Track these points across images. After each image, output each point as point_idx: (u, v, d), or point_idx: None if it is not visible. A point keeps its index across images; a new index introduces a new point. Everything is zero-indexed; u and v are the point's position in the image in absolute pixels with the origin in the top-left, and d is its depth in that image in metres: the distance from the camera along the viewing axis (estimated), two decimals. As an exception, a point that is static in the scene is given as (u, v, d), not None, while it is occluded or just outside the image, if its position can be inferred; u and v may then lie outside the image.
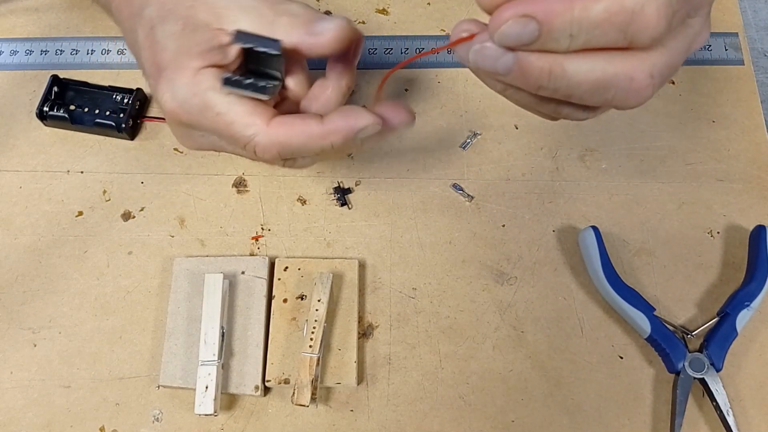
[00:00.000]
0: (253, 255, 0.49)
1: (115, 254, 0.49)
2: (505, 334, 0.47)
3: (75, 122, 0.52)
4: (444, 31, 0.57)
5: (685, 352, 0.44)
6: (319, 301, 0.45)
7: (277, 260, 0.48)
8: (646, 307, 0.45)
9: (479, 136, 0.53)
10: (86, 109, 0.52)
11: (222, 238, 0.50)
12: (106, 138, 0.53)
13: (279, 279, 0.47)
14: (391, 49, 0.56)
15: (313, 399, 0.43)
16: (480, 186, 0.51)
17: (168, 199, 0.51)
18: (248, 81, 0.36)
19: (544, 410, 0.45)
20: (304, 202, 0.51)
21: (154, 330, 0.47)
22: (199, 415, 0.43)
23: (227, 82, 0.36)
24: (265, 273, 0.47)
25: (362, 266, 0.49)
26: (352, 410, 0.45)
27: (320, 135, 0.37)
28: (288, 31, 0.37)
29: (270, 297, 0.47)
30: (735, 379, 0.45)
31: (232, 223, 0.50)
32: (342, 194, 0.51)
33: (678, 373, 0.44)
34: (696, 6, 0.32)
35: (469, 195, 0.51)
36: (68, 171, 0.52)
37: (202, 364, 0.43)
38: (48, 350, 0.47)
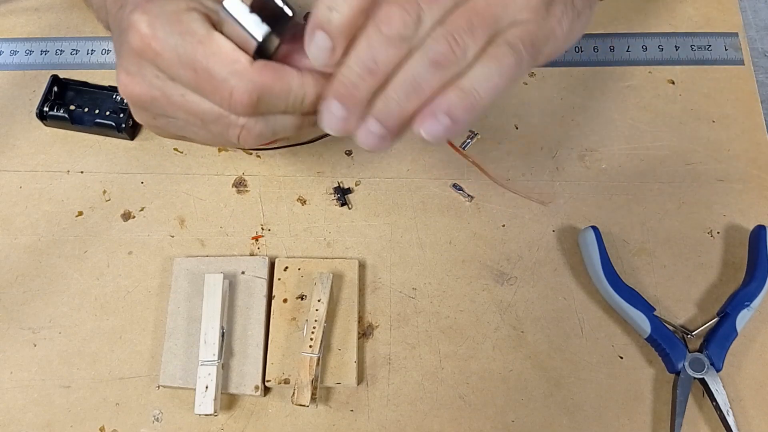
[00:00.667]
0: (253, 255, 0.49)
1: (115, 254, 0.49)
2: (505, 334, 0.47)
3: (75, 122, 0.52)
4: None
5: (685, 352, 0.44)
6: (319, 301, 0.45)
7: (277, 260, 0.48)
8: (646, 307, 0.45)
9: (479, 136, 0.53)
10: (86, 109, 0.52)
11: (222, 238, 0.50)
12: (106, 138, 0.53)
13: (279, 279, 0.47)
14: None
15: (313, 399, 0.43)
16: (480, 186, 0.51)
17: (168, 199, 0.51)
18: (251, 14, 0.33)
19: (544, 410, 0.45)
20: (304, 202, 0.51)
21: (154, 330, 0.47)
22: (199, 415, 0.43)
23: (229, 5, 0.33)
24: (265, 273, 0.47)
25: (362, 266, 0.49)
26: (352, 410, 0.45)
27: (299, 84, 0.35)
28: None
29: (270, 297, 0.47)
30: (735, 379, 0.45)
31: (232, 223, 0.50)
32: (342, 194, 0.51)
33: (678, 373, 0.44)
34: None
35: (469, 195, 0.51)
36: (68, 171, 0.52)
37: (202, 364, 0.43)
38: (48, 350, 0.47)
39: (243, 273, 0.47)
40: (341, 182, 0.51)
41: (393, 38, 0.31)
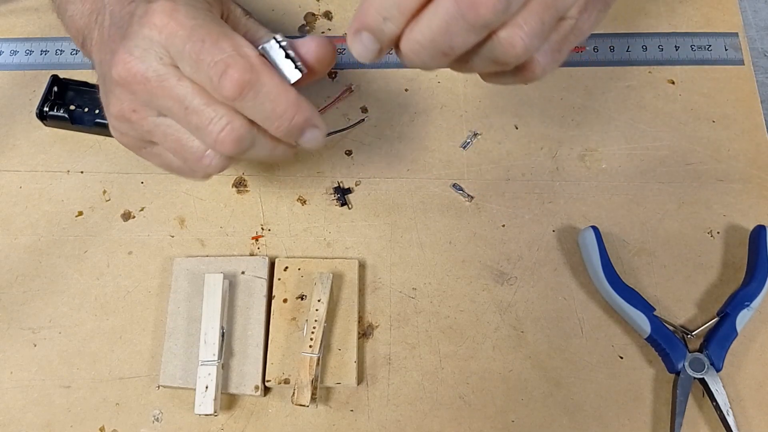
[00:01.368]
0: (253, 255, 0.49)
1: (115, 254, 0.49)
2: (505, 334, 0.47)
3: (75, 122, 0.52)
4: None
5: (685, 352, 0.44)
6: (319, 301, 0.45)
7: (277, 260, 0.48)
8: (646, 307, 0.45)
9: (479, 136, 0.53)
10: (86, 109, 0.52)
11: (222, 238, 0.50)
12: (106, 138, 0.53)
13: (279, 279, 0.47)
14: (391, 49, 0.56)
15: (313, 399, 0.43)
16: (480, 186, 0.51)
17: (168, 199, 0.51)
18: (287, 59, 0.36)
19: (544, 410, 0.45)
20: (304, 202, 0.51)
21: (154, 330, 0.47)
22: (199, 415, 0.43)
23: (269, 47, 0.36)
24: (265, 273, 0.47)
25: (362, 266, 0.49)
26: (352, 410, 0.45)
27: (286, 90, 0.36)
28: None
29: (270, 297, 0.47)
30: (735, 379, 0.45)
31: (232, 223, 0.50)
32: (342, 194, 0.51)
33: (678, 373, 0.44)
34: None
35: (469, 195, 0.51)
36: (68, 171, 0.52)
37: (202, 364, 0.43)
38: (48, 350, 0.47)
39: (243, 273, 0.47)
40: (341, 182, 0.51)
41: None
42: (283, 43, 0.37)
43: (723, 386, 0.44)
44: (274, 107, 0.35)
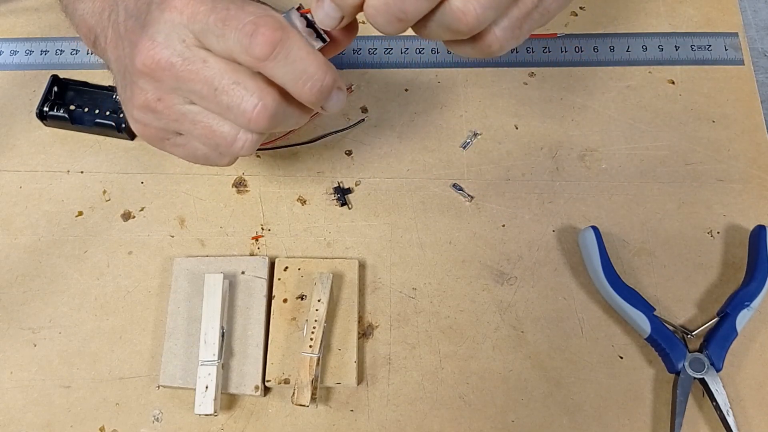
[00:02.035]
0: (253, 255, 0.49)
1: (115, 254, 0.49)
2: (505, 334, 0.47)
3: (75, 122, 0.52)
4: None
5: (685, 352, 0.44)
6: (319, 301, 0.45)
7: (277, 260, 0.48)
8: (646, 307, 0.45)
9: (479, 136, 0.53)
10: (86, 109, 0.52)
11: (222, 238, 0.50)
12: (106, 138, 0.53)
13: (279, 279, 0.47)
14: (391, 48, 0.56)
15: (313, 399, 0.43)
16: (480, 186, 0.51)
17: (168, 199, 0.51)
18: (308, 28, 0.36)
19: (544, 410, 0.45)
20: (304, 202, 0.51)
21: (154, 330, 0.47)
22: (199, 415, 0.43)
23: (292, 16, 0.36)
24: (265, 273, 0.47)
25: (362, 266, 0.49)
26: (352, 410, 0.45)
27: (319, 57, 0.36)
28: None
29: (270, 297, 0.47)
30: (735, 379, 0.45)
31: (232, 223, 0.50)
32: (342, 194, 0.51)
33: (678, 373, 0.44)
34: None
35: (469, 195, 0.51)
36: (68, 171, 0.52)
37: (202, 364, 0.43)
38: (48, 350, 0.47)
39: (243, 273, 0.47)
40: (341, 182, 0.51)
41: None
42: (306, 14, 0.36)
43: (723, 386, 0.44)
44: (305, 67, 0.35)
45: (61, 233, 0.50)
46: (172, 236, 0.50)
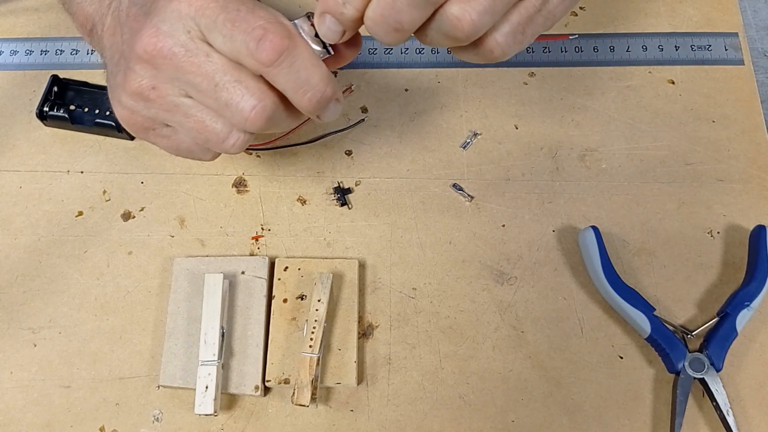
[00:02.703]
0: (253, 255, 0.49)
1: (115, 254, 0.49)
2: (505, 334, 0.47)
3: (75, 122, 0.52)
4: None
5: (685, 352, 0.44)
6: (319, 301, 0.45)
7: (277, 260, 0.48)
8: (646, 307, 0.45)
9: (479, 136, 0.53)
10: (86, 109, 0.52)
11: (222, 238, 0.50)
12: (106, 138, 0.53)
13: (279, 279, 0.47)
14: (391, 49, 0.56)
15: (313, 399, 0.43)
16: (480, 186, 0.51)
17: (168, 199, 0.51)
18: (316, 37, 0.37)
19: (544, 410, 0.45)
20: (304, 202, 0.51)
21: (154, 330, 0.47)
22: (199, 415, 0.43)
23: (300, 24, 0.37)
24: (265, 273, 0.47)
25: (362, 266, 0.49)
26: (352, 410, 0.45)
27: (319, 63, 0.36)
28: None
29: (270, 297, 0.47)
30: (735, 379, 0.45)
31: (232, 223, 0.50)
32: (342, 194, 0.51)
33: (678, 373, 0.44)
34: None
35: (469, 195, 0.51)
36: (68, 171, 0.52)
37: (202, 364, 0.43)
38: (48, 350, 0.47)
39: (243, 273, 0.47)
40: (341, 182, 0.51)
41: None
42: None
43: (723, 386, 0.44)
44: (308, 77, 0.35)
45: (61, 233, 0.50)
46: (172, 236, 0.50)
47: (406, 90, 0.55)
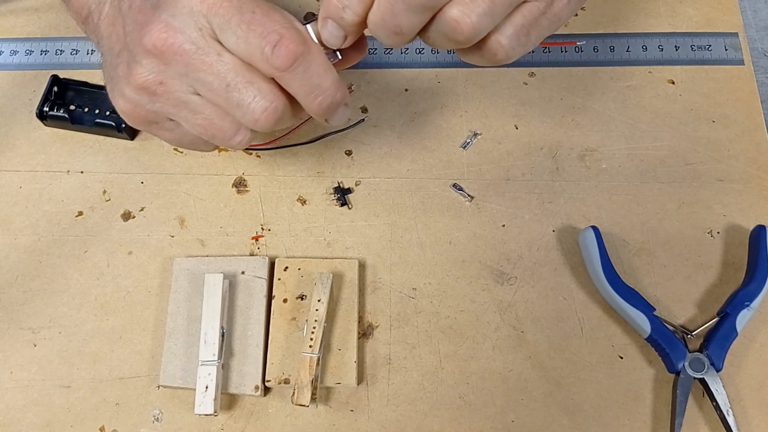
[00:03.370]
0: (253, 255, 0.49)
1: (115, 254, 0.49)
2: (505, 334, 0.47)
3: (75, 122, 0.52)
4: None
5: (685, 352, 0.44)
6: (319, 301, 0.45)
7: (277, 260, 0.48)
8: (646, 307, 0.45)
9: (479, 136, 0.53)
10: (86, 109, 0.52)
11: (222, 238, 0.50)
12: (106, 138, 0.53)
13: (279, 279, 0.47)
14: (391, 49, 0.56)
15: (313, 399, 0.43)
16: (480, 186, 0.51)
17: (168, 199, 0.51)
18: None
19: (544, 410, 0.45)
20: (304, 202, 0.51)
21: (154, 330, 0.47)
22: (199, 415, 0.43)
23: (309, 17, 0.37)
24: (265, 273, 0.47)
25: (362, 266, 0.49)
26: (352, 410, 0.45)
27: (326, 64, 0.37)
28: None
29: (270, 297, 0.47)
30: (735, 379, 0.45)
31: (232, 223, 0.50)
32: (342, 194, 0.51)
33: (678, 373, 0.44)
34: None
35: (469, 195, 0.51)
36: (68, 171, 0.52)
37: (202, 364, 0.43)
38: (48, 350, 0.47)
39: (243, 273, 0.47)
40: (341, 182, 0.51)
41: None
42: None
43: (723, 386, 0.44)
44: (320, 82, 0.36)
45: (61, 233, 0.50)
46: (172, 236, 0.50)
47: (406, 90, 0.55)
